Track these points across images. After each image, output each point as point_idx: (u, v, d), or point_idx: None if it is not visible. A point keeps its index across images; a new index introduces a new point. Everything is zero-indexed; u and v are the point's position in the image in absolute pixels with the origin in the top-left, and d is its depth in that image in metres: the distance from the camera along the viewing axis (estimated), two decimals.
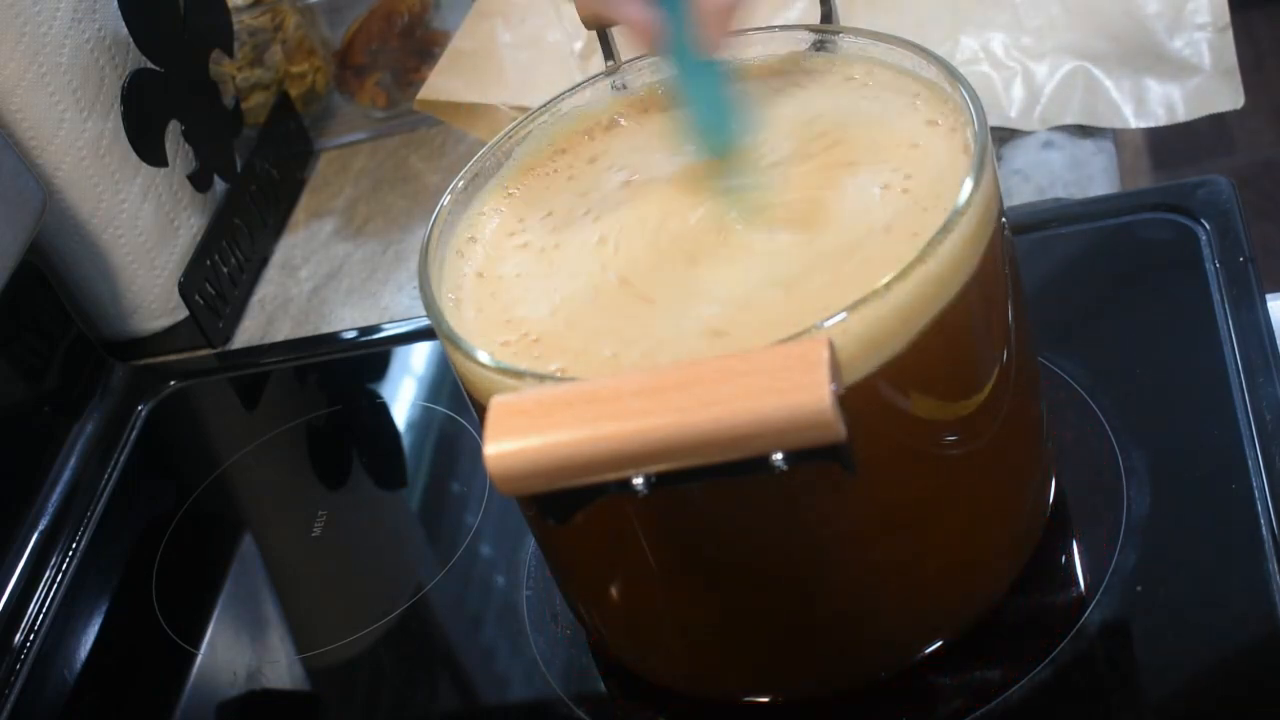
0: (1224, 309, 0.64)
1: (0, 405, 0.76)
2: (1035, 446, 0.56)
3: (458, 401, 0.75)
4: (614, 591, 0.55)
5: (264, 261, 0.92)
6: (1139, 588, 0.55)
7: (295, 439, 0.79)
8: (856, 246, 0.49)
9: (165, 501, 0.77)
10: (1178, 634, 0.53)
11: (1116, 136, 0.79)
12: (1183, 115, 0.76)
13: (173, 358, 0.87)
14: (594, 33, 0.59)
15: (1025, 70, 0.78)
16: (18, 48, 0.76)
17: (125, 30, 0.80)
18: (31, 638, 0.70)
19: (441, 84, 0.87)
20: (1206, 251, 0.67)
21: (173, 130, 0.83)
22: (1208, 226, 0.68)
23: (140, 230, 0.83)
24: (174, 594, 0.71)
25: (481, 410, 0.46)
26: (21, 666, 0.69)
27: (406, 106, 0.96)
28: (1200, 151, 1.93)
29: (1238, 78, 0.76)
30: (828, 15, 0.58)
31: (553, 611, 0.62)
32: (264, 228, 0.92)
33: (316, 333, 0.85)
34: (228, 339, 0.87)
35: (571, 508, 0.43)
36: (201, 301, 0.85)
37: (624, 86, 0.60)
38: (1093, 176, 0.75)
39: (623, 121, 0.59)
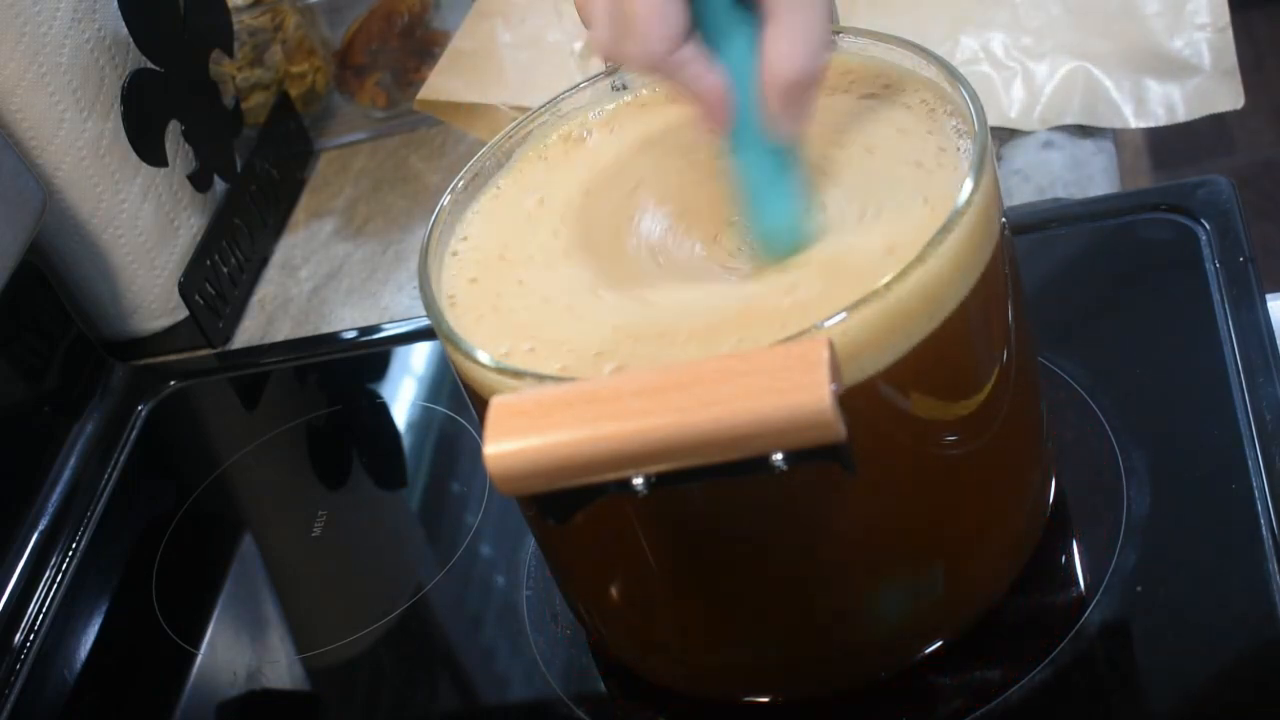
0: (1224, 309, 0.64)
1: (0, 405, 0.76)
2: (1035, 446, 0.56)
3: (458, 401, 0.75)
4: (614, 591, 0.55)
5: (264, 261, 0.92)
6: (1139, 588, 0.55)
7: (295, 439, 0.79)
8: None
9: (165, 501, 0.77)
10: (1178, 634, 0.53)
11: (1116, 136, 0.79)
12: (1183, 115, 0.76)
13: (173, 358, 0.87)
14: None
15: (1025, 70, 0.78)
16: (18, 48, 0.76)
17: (125, 30, 0.80)
18: (31, 638, 0.70)
19: (441, 84, 0.87)
20: (1206, 251, 0.67)
21: (173, 130, 0.83)
22: (1208, 226, 0.68)
23: (140, 230, 0.83)
24: (174, 594, 0.71)
25: (481, 410, 0.46)
26: (21, 666, 0.69)
27: (406, 106, 0.96)
28: (1200, 151, 1.93)
29: (1238, 78, 0.76)
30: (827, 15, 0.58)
31: (553, 611, 0.62)
32: (264, 228, 0.92)
33: (316, 333, 0.85)
34: (228, 339, 0.87)
35: (571, 508, 0.43)
36: (201, 301, 0.85)
37: (624, 86, 0.60)
38: (1093, 176, 0.75)
39: (624, 122, 0.59)
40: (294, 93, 0.98)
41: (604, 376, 0.42)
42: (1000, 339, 0.51)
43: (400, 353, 0.81)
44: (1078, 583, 0.56)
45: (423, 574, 0.67)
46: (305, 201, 0.96)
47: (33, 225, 0.75)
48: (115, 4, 0.80)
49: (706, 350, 0.47)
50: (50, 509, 0.76)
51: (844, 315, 0.44)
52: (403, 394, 0.79)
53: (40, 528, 0.75)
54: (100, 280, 0.84)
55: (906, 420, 0.48)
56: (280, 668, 0.65)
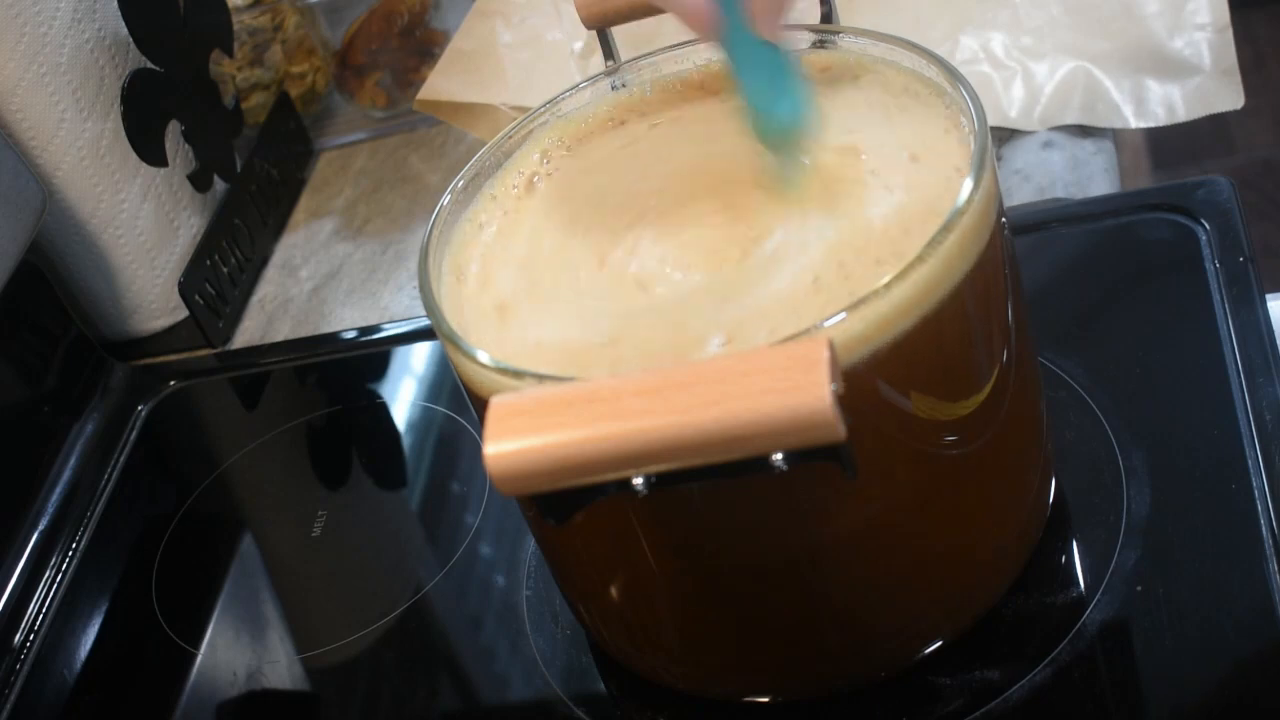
0: (1224, 309, 0.64)
1: (0, 405, 0.76)
2: (1035, 446, 0.56)
3: (458, 401, 0.75)
4: (614, 591, 0.55)
5: (264, 261, 0.92)
6: (1139, 588, 0.55)
7: (295, 439, 0.79)
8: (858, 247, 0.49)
9: (165, 501, 0.77)
10: (1178, 634, 0.53)
11: (1116, 136, 0.79)
12: (1183, 115, 0.76)
13: (173, 358, 0.87)
14: (594, 33, 0.59)
15: (1025, 70, 0.78)
16: (18, 48, 0.76)
17: (125, 30, 0.80)
18: (31, 638, 0.70)
19: (441, 84, 0.87)
20: (1206, 251, 0.67)
21: (173, 130, 0.83)
22: (1208, 226, 0.68)
23: (140, 230, 0.83)
24: (174, 594, 0.71)
25: (481, 410, 0.46)
26: (21, 666, 0.69)
27: (406, 106, 0.96)
28: (1200, 151, 1.93)
29: (1238, 78, 0.76)
30: (828, 15, 0.58)
31: (553, 611, 0.62)
32: (264, 228, 0.92)
33: (316, 333, 0.85)
34: (228, 339, 0.87)
35: (571, 508, 0.43)
36: (201, 301, 0.85)
37: (624, 86, 0.60)
38: (1093, 176, 0.75)
39: (625, 122, 0.59)
40: (294, 93, 0.98)
41: (604, 376, 0.42)
42: (1000, 339, 0.51)
43: (400, 353, 0.81)
44: (1078, 583, 0.56)
45: (423, 574, 0.67)
46: (305, 201, 0.96)
47: (33, 225, 0.75)
48: (115, 4, 0.80)
49: (712, 353, 0.47)
50: (50, 509, 0.76)
51: (844, 315, 0.44)
52: (403, 394, 0.79)
53: (40, 528, 0.75)
54: (100, 280, 0.84)
55: (906, 420, 0.48)
56: (280, 668, 0.65)
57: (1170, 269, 0.68)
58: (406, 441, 0.76)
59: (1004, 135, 0.78)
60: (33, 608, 0.72)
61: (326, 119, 1.01)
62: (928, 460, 0.50)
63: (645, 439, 0.40)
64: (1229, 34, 0.76)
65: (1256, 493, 0.56)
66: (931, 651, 0.54)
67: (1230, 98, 0.76)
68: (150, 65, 0.81)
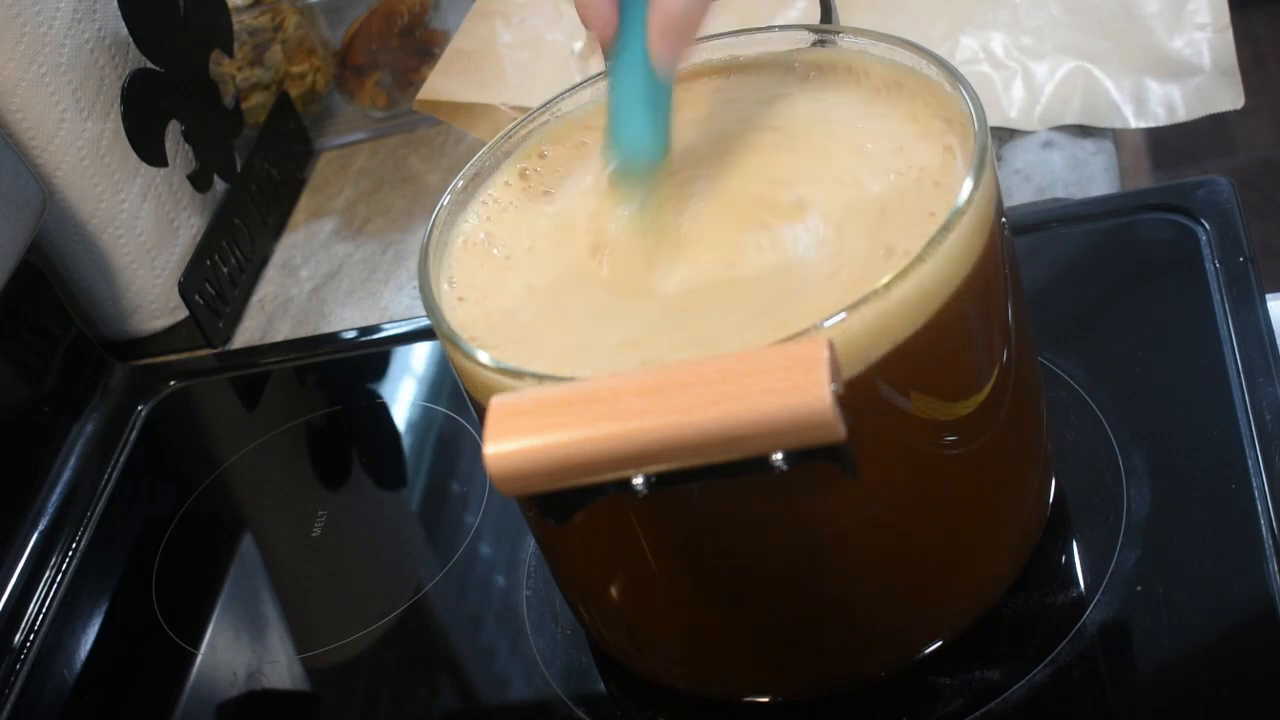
0: (1224, 309, 0.64)
1: (0, 405, 0.76)
2: (1035, 446, 0.56)
3: (458, 401, 0.75)
4: (614, 591, 0.55)
5: (264, 261, 0.92)
6: (1139, 588, 0.55)
7: (295, 439, 0.79)
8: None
9: (165, 501, 0.77)
10: (1178, 634, 0.53)
11: (1116, 136, 0.79)
12: (1183, 115, 0.76)
13: (173, 358, 0.87)
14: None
15: (1025, 70, 0.78)
16: (18, 48, 0.76)
17: (125, 30, 0.80)
18: (31, 638, 0.70)
19: (441, 84, 0.87)
20: (1206, 251, 0.67)
21: (173, 130, 0.83)
22: (1208, 226, 0.68)
23: (140, 230, 0.83)
24: (174, 594, 0.71)
25: (481, 410, 0.46)
26: (21, 666, 0.69)
27: (406, 106, 0.96)
28: (1200, 151, 1.93)
29: (1238, 78, 0.76)
30: (828, 15, 0.58)
31: (553, 611, 0.62)
32: (264, 228, 0.92)
33: (316, 333, 0.85)
34: (228, 339, 0.87)
35: (571, 508, 0.43)
36: (201, 301, 0.85)
37: None
38: (1093, 176, 0.75)
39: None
40: (294, 93, 0.98)
41: (604, 376, 0.42)
42: (1000, 339, 0.51)
43: (400, 353, 0.81)
44: (1078, 583, 0.56)
45: (423, 574, 0.67)
46: (305, 201, 0.96)
47: (33, 225, 0.75)
48: (115, 4, 0.80)
49: (717, 330, 0.47)
50: (50, 509, 0.76)
51: (844, 315, 0.44)
52: (403, 394, 0.79)
53: (40, 528, 0.75)
54: (100, 280, 0.84)
55: (906, 420, 0.48)
56: (280, 668, 0.65)
57: (1170, 269, 0.68)
58: (406, 441, 0.76)
59: (1004, 135, 0.78)
60: (33, 608, 0.72)
61: (326, 119, 1.01)
62: (927, 460, 0.50)
63: (645, 439, 0.40)
64: (1229, 34, 0.76)
65: (1256, 493, 0.56)
66: (931, 651, 0.54)
67: (1230, 98, 0.76)
68: (150, 65, 0.81)
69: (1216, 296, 0.65)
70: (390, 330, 0.82)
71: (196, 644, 0.67)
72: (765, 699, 0.56)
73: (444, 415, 0.75)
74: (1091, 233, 0.71)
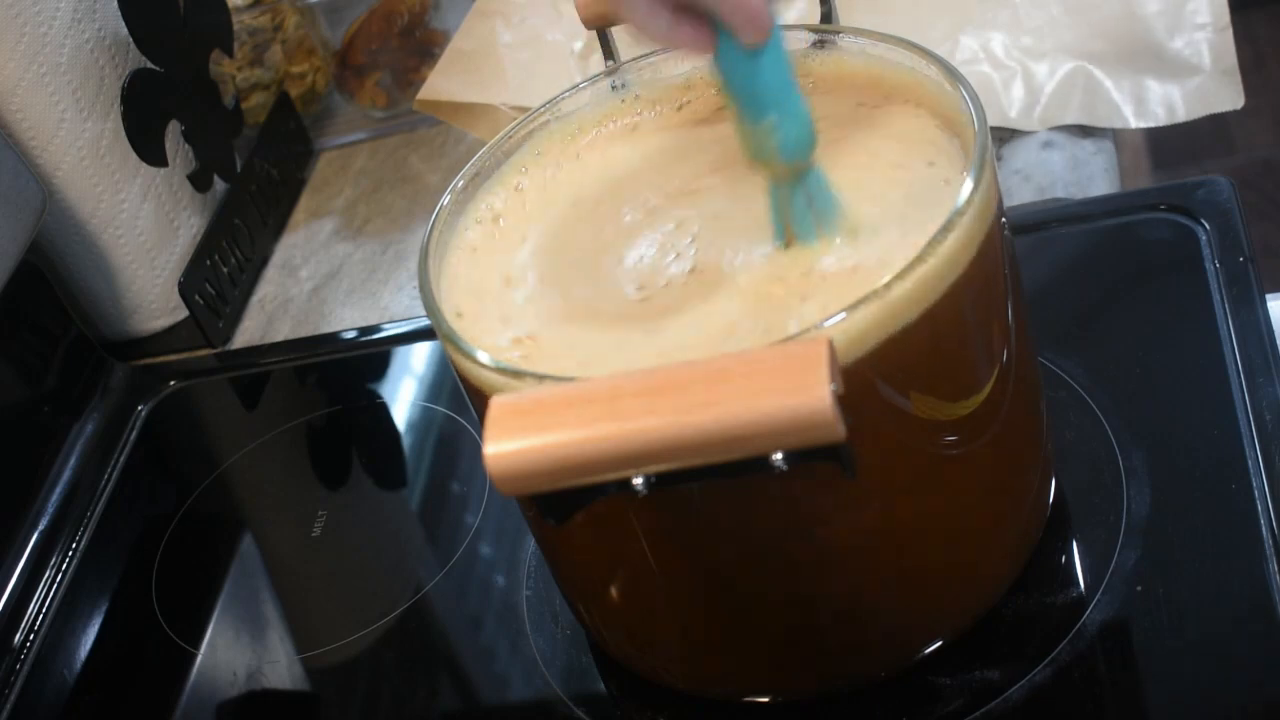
0: (1224, 309, 0.64)
1: (0, 405, 0.76)
2: (1035, 446, 0.56)
3: (458, 401, 0.75)
4: (614, 591, 0.55)
5: (264, 261, 0.92)
6: (1139, 588, 0.55)
7: (295, 439, 0.79)
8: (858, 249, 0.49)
9: (165, 501, 0.77)
10: (1178, 634, 0.53)
11: (1116, 136, 0.79)
12: (1183, 115, 0.76)
13: (173, 358, 0.87)
14: (594, 33, 0.59)
15: (1025, 70, 0.78)
16: (18, 48, 0.76)
17: (125, 30, 0.80)
18: (31, 638, 0.70)
19: (441, 84, 0.87)
20: (1206, 251, 0.67)
21: (173, 130, 0.83)
22: (1208, 226, 0.68)
23: (140, 230, 0.83)
24: (174, 594, 0.71)
25: (481, 410, 0.46)
26: (21, 666, 0.69)
27: (406, 106, 0.96)
28: (1200, 151, 1.93)
29: (1238, 78, 0.76)
30: (828, 15, 0.58)
31: (553, 611, 0.62)
32: (264, 228, 0.92)
33: (316, 333, 0.85)
34: (228, 339, 0.87)
35: (571, 508, 0.43)
36: (201, 301, 0.85)
37: (623, 86, 0.60)
38: (1093, 176, 0.75)
39: (626, 123, 0.59)
40: (294, 93, 0.98)
41: (604, 376, 0.42)
42: (1000, 338, 0.51)
43: (400, 353, 0.81)
44: (1078, 583, 0.56)
45: (423, 574, 0.67)
46: (305, 201, 0.96)
47: (33, 225, 0.75)
48: (115, 4, 0.80)
49: (713, 330, 0.47)
50: (50, 509, 0.76)
51: (844, 315, 0.44)
52: (403, 394, 0.79)
53: (40, 528, 0.75)
54: (100, 280, 0.84)
55: (906, 420, 0.48)
56: (280, 668, 0.65)
57: (1170, 269, 0.68)
58: (406, 441, 0.76)
59: (1004, 135, 0.78)
60: (33, 608, 0.72)
61: (326, 119, 1.01)
62: (927, 460, 0.50)
63: (645, 439, 0.40)
64: (1229, 34, 0.76)
65: (1256, 493, 0.56)
66: (931, 651, 0.54)
67: (1230, 98, 0.76)
68: (150, 65, 0.81)
69: (1216, 296, 0.65)
70: (390, 330, 0.82)
71: (196, 644, 0.67)
72: (765, 699, 0.56)
73: (444, 415, 0.75)
74: (1091, 233, 0.71)
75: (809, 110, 0.50)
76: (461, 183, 0.56)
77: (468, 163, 0.57)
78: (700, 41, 0.49)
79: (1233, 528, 0.56)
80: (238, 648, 0.67)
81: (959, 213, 0.46)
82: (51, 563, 0.74)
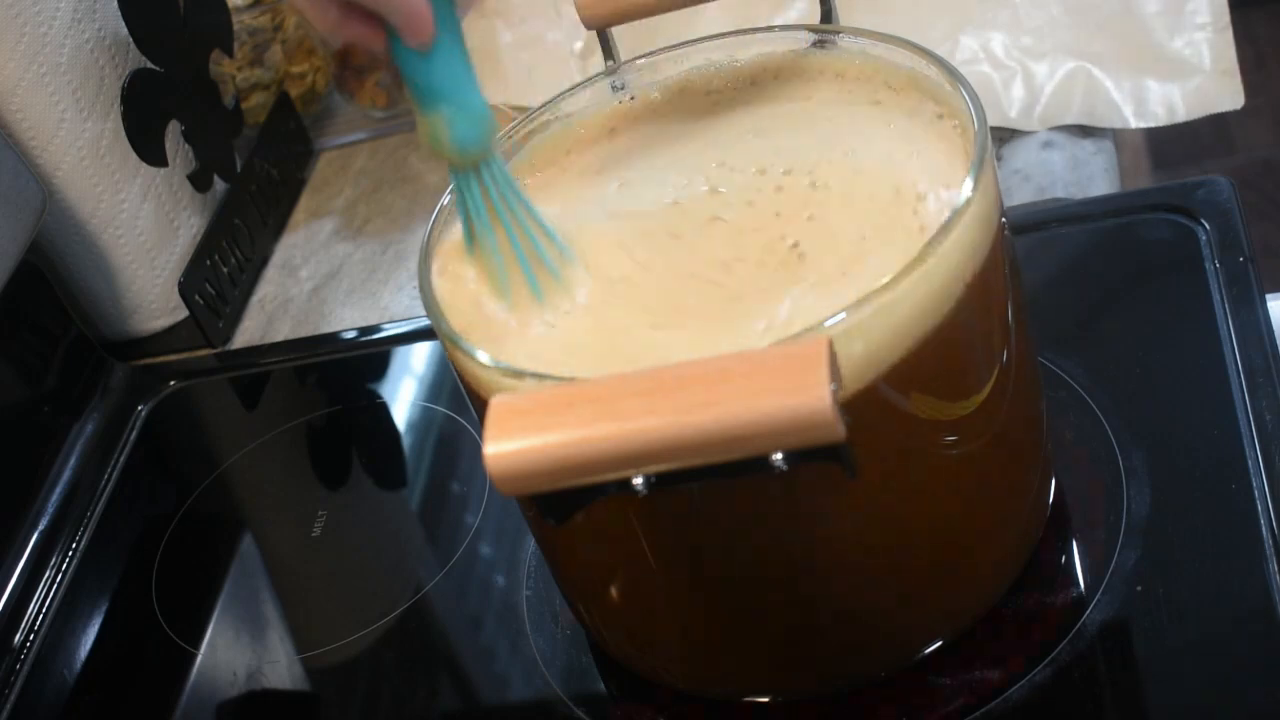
0: (1224, 309, 0.64)
1: (0, 405, 0.76)
2: (1035, 447, 0.56)
3: (458, 401, 0.75)
4: (614, 591, 0.55)
5: (264, 261, 0.92)
6: (1139, 588, 0.55)
7: (295, 439, 0.79)
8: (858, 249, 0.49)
9: (165, 501, 0.77)
10: (1178, 634, 0.53)
11: (1116, 136, 0.79)
12: (1183, 115, 0.76)
13: (173, 358, 0.87)
14: (594, 33, 0.59)
15: (1025, 70, 0.78)
16: (18, 48, 0.76)
17: (125, 30, 0.80)
18: (31, 638, 0.70)
19: None
20: (1206, 251, 0.67)
21: (173, 130, 0.83)
22: (1208, 226, 0.68)
23: (140, 230, 0.83)
24: (174, 594, 0.71)
25: (481, 410, 0.46)
26: (21, 666, 0.69)
27: (406, 106, 0.96)
28: (1200, 151, 1.93)
29: (1238, 78, 0.76)
30: (827, 15, 0.58)
31: (553, 611, 0.62)
32: (264, 228, 0.92)
33: (316, 333, 0.85)
34: (228, 339, 0.87)
35: (571, 508, 0.43)
36: (201, 301, 0.85)
37: (623, 86, 0.60)
38: (1093, 176, 0.75)
39: (624, 124, 0.59)
40: (294, 93, 0.98)
41: (604, 376, 0.42)
42: (1000, 339, 0.51)
43: (400, 353, 0.81)
44: (1078, 583, 0.56)
45: (423, 574, 0.67)
46: (305, 201, 0.96)
47: (33, 225, 0.75)
48: (115, 4, 0.80)
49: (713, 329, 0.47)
50: (50, 509, 0.76)
51: (844, 315, 0.44)
52: (403, 394, 0.79)
53: (40, 528, 0.75)
54: (100, 280, 0.84)
55: (906, 420, 0.48)
56: (280, 668, 0.65)
57: (1170, 269, 0.68)
58: (406, 441, 0.76)
59: (1004, 135, 0.78)
60: (33, 608, 0.72)
61: (326, 119, 1.01)
62: (927, 460, 0.50)
63: (645, 439, 0.40)
64: (1229, 34, 0.76)
65: (1256, 493, 0.56)
66: (931, 651, 0.54)
67: (1230, 98, 0.76)
68: (150, 65, 0.81)
69: (1216, 296, 0.65)
70: (390, 330, 0.82)
71: (196, 644, 0.67)
72: (765, 699, 0.56)
73: (444, 415, 0.75)
74: (1091, 233, 0.71)
75: (484, 103, 0.52)
76: None
77: None
78: (370, 37, 0.50)
79: (1233, 528, 0.56)
80: (238, 648, 0.67)
81: (959, 212, 0.46)
82: (51, 563, 0.74)
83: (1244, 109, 0.76)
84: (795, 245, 0.50)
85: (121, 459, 0.80)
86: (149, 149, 0.82)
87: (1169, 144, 1.83)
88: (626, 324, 0.50)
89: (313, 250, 0.92)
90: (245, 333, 0.87)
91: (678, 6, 0.56)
